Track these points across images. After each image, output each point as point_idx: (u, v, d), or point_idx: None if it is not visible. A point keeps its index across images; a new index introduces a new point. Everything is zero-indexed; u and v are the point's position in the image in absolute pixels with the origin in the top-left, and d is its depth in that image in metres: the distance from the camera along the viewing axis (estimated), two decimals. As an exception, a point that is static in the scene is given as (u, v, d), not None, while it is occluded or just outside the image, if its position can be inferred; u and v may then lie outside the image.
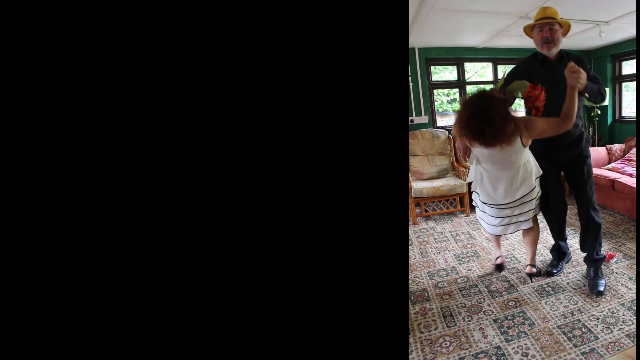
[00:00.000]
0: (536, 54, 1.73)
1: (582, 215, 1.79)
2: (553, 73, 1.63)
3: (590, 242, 1.80)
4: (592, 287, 1.76)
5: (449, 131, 3.57)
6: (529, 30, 1.73)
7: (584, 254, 1.88)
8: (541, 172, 1.72)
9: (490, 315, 1.66)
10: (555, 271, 1.97)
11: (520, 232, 1.88)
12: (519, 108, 2.16)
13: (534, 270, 1.90)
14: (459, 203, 3.12)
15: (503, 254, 2.10)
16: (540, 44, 1.66)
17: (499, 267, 2.03)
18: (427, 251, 2.46)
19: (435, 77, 3.77)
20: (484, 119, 1.41)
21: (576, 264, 2.06)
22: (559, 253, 2.04)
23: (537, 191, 1.74)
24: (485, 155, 1.64)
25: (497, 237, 2.01)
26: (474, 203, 1.96)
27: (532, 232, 1.83)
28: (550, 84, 1.59)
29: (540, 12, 1.66)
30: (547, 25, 1.63)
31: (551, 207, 1.87)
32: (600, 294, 1.72)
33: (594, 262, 1.81)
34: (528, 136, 1.55)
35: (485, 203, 1.80)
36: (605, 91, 1.67)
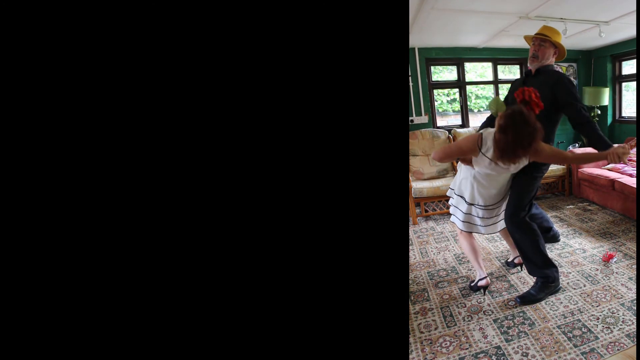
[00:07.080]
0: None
1: None
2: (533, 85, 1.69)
3: None
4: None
5: (449, 131, 3.58)
6: (529, 41, 1.79)
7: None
8: None
9: (490, 315, 1.66)
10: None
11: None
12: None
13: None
14: (459, 203, 3.12)
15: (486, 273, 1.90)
16: (528, 57, 1.72)
17: (482, 288, 1.85)
18: (427, 251, 2.46)
19: (435, 77, 3.77)
20: (520, 143, 1.41)
21: (576, 264, 2.06)
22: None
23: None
24: (487, 169, 1.63)
25: (477, 255, 1.89)
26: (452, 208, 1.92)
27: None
28: None
29: (540, 28, 1.72)
30: (537, 41, 1.68)
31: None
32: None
33: None
34: (532, 159, 1.57)
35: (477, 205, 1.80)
36: (585, 111, 1.65)
